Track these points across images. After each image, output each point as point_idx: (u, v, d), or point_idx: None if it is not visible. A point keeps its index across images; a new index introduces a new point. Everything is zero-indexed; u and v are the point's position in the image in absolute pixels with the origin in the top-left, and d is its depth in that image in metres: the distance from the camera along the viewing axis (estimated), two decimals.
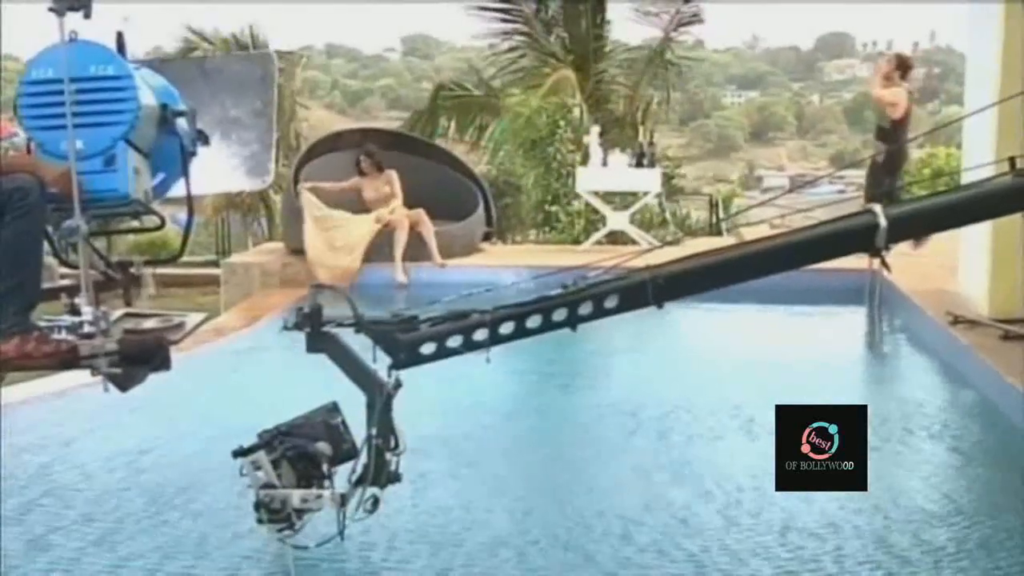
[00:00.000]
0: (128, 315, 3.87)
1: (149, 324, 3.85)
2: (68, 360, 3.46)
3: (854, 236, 3.48)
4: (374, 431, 3.51)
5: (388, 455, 3.58)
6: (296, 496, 3.48)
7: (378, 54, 69.73)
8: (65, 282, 3.85)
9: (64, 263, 3.87)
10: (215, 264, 13.53)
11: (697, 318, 8.11)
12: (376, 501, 3.57)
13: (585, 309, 3.52)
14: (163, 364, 3.53)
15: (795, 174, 51.70)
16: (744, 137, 60.34)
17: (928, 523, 4.18)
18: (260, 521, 3.51)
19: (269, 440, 3.55)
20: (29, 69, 3.54)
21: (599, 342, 7.07)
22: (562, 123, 13.03)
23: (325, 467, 3.58)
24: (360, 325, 3.52)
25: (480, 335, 3.50)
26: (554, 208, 13.14)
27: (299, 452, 3.55)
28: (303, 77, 20.06)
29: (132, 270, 3.89)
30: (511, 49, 16.87)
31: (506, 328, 3.52)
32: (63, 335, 3.53)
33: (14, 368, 3.69)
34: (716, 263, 3.61)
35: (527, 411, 6.19)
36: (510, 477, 4.97)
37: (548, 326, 3.54)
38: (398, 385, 3.54)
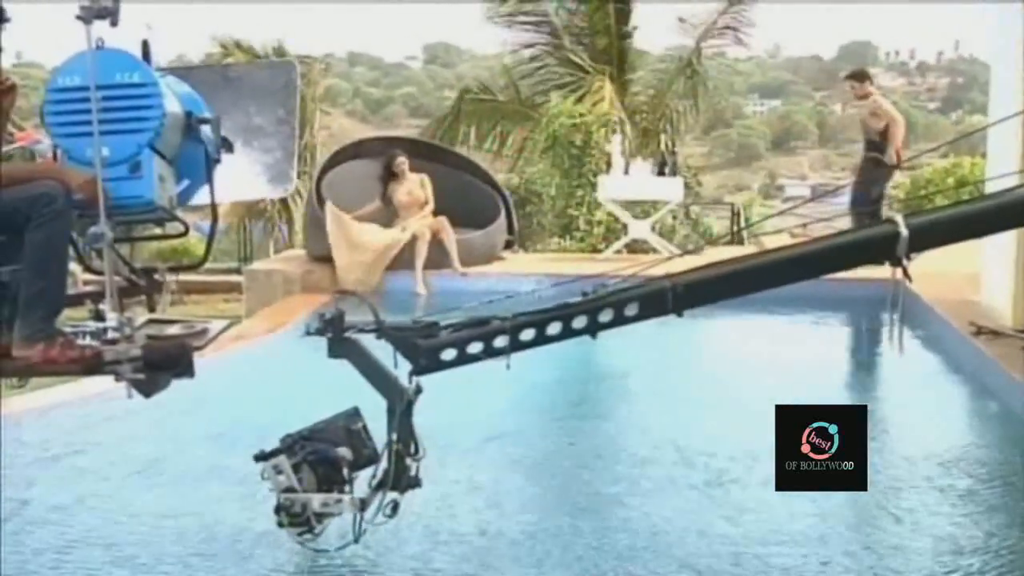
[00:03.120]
0: (152, 321, 3.90)
1: (172, 330, 3.88)
2: (92, 366, 3.49)
3: (875, 245, 3.47)
4: (395, 436, 3.53)
5: (408, 460, 3.60)
6: (316, 500, 3.51)
7: (400, 62, 69.94)
8: (89, 288, 3.88)
9: (89, 269, 3.91)
10: (237, 271, 13.62)
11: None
12: (396, 506, 3.59)
13: (605, 316, 3.52)
14: (186, 370, 3.56)
15: (817, 183, 51.45)
16: (766, 146, 60.13)
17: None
18: (280, 524, 3.54)
19: (291, 444, 3.58)
20: (55, 76, 3.58)
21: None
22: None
23: (346, 472, 3.60)
24: (381, 331, 3.54)
25: (500, 342, 3.52)
26: (577, 216, 13.13)
27: (320, 456, 3.58)
28: (325, 85, 20.12)
29: (156, 276, 3.93)
30: (533, 58, 16.82)
31: (526, 335, 3.53)
32: (87, 341, 3.57)
33: (39, 373, 3.72)
34: (736, 271, 3.61)
35: None
36: None
37: (568, 333, 3.55)
38: (418, 391, 3.57)
